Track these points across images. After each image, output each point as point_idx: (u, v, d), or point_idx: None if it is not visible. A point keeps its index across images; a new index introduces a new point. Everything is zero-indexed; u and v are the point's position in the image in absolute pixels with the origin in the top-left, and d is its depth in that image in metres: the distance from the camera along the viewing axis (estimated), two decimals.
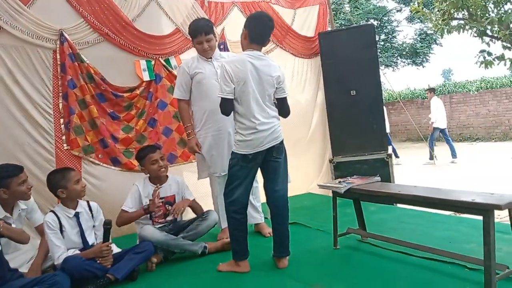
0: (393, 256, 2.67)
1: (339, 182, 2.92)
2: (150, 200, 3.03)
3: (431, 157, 9.85)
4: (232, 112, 2.61)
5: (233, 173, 2.60)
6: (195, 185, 4.05)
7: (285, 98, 2.67)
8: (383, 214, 3.69)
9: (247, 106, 2.51)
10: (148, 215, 3.07)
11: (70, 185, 2.72)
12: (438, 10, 6.41)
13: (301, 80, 5.10)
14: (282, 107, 2.68)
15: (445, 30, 6.22)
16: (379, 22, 16.22)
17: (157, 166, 3.12)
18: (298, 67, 5.08)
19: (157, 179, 3.17)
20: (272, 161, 2.60)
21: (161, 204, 3.09)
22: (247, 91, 2.50)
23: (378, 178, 2.95)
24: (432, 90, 10.43)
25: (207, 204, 3.70)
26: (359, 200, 3.00)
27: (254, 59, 2.53)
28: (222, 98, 2.55)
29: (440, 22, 6.27)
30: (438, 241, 2.78)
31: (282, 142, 2.63)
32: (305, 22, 5.19)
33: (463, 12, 6.65)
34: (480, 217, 2.06)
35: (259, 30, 2.59)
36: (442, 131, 9.89)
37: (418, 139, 14.36)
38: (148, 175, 3.19)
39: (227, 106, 2.57)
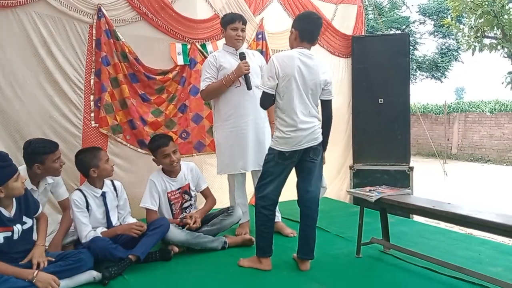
0: (417, 270, 2.62)
1: (369, 190, 2.87)
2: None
3: None
4: (275, 108, 2.58)
5: (267, 169, 2.56)
6: (212, 178, 4.00)
7: (329, 101, 2.62)
8: (402, 227, 3.63)
9: (290, 102, 2.47)
10: (169, 208, 3.07)
11: (101, 164, 2.70)
12: (471, 27, 6.32)
13: (336, 81, 4.88)
14: (326, 110, 2.63)
15: (477, 48, 6.14)
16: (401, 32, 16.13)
17: (169, 161, 3.00)
18: (333, 66, 4.91)
19: (170, 172, 3.09)
20: (308, 161, 2.56)
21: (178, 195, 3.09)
22: (290, 88, 2.45)
23: (409, 191, 2.92)
24: None
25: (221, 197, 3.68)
26: (386, 211, 2.96)
27: (303, 57, 2.49)
28: (263, 91, 2.52)
29: (472, 39, 6.19)
30: (462, 260, 2.72)
31: (320, 144, 2.58)
32: (345, 19, 5.08)
33: (494, 32, 6.58)
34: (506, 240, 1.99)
35: (309, 28, 2.56)
36: None
37: (428, 154, 14.28)
38: (161, 166, 3.10)
39: (266, 100, 2.56)
